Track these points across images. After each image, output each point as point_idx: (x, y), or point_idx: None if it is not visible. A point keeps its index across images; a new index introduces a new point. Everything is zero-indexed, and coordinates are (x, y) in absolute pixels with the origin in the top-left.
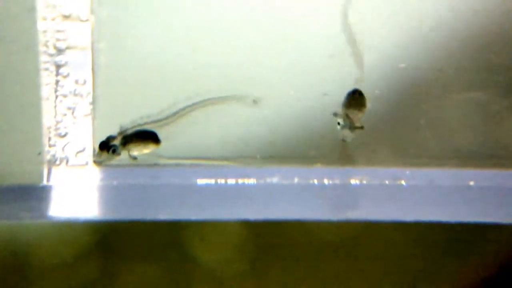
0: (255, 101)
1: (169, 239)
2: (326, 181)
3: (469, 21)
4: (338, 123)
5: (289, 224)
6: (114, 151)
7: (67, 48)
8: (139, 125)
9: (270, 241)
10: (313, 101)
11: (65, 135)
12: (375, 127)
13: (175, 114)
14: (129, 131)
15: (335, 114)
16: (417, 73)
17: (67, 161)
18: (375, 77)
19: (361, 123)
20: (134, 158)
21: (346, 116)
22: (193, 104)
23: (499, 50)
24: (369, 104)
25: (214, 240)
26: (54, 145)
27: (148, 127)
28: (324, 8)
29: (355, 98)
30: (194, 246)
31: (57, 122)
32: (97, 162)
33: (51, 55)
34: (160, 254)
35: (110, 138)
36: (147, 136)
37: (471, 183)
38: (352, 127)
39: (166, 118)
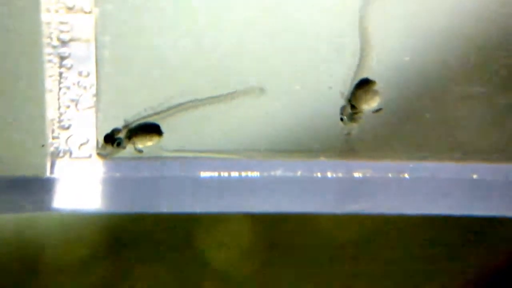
0: (261, 90)
1: (173, 232)
2: (329, 174)
3: (474, 15)
4: (341, 119)
5: (293, 218)
6: (118, 144)
7: (71, 40)
8: (143, 117)
9: (277, 236)
10: (318, 95)
11: (68, 127)
12: (379, 120)
13: (179, 106)
14: (133, 124)
15: (342, 108)
16: (421, 66)
17: (70, 154)
18: (379, 70)
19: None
20: (140, 151)
21: (352, 107)
22: (197, 97)
23: (504, 44)
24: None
25: (216, 232)
26: (57, 137)
27: (151, 120)
28: (331, 2)
29: (364, 87)
30: (196, 238)
31: (61, 114)
32: (101, 155)
33: (54, 47)
34: (165, 248)
35: (115, 131)
36: (151, 129)
37: (475, 176)
38: (356, 117)
39: (170, 110)
